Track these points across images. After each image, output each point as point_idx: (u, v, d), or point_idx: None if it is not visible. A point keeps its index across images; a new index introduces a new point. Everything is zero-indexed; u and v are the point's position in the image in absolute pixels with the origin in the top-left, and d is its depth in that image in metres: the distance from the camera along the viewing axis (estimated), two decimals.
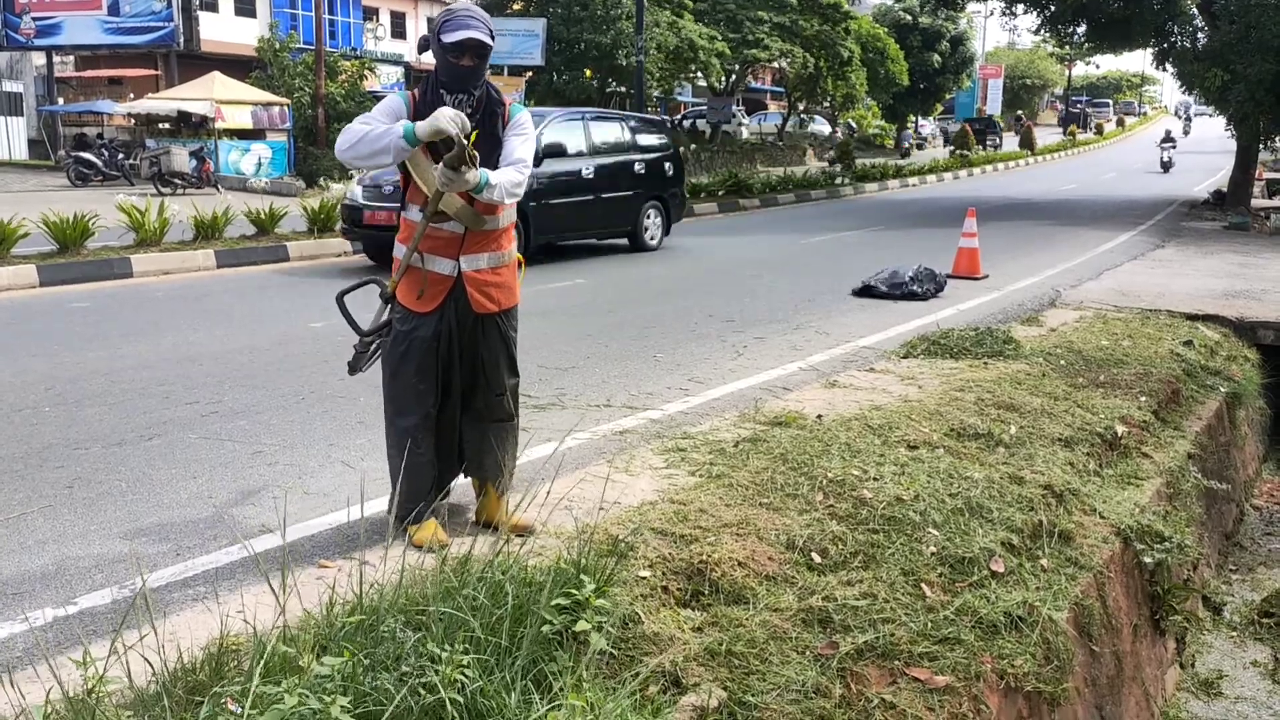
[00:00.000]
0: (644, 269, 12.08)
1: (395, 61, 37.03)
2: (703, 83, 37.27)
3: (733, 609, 3.22)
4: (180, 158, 21.81)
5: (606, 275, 11.54)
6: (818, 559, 3.61)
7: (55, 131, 29.75)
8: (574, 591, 2.84)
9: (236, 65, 28.76)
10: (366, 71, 27.94)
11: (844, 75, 36.93)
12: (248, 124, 24.98)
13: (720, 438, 4.97)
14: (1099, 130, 64.57)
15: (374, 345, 3.75)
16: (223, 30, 32.46)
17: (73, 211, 11.40)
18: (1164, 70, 22.81)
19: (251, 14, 33.64)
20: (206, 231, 12.44)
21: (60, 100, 29.95)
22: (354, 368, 3.81)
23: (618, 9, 27.91)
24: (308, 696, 2.21)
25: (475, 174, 3.40)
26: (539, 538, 3.56)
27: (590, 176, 12.59)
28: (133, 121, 26.85)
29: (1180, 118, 67.90)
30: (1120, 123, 74.09)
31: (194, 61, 29.75)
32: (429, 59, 3.75)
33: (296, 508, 4.14)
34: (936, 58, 46.21)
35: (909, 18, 46.26)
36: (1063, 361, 6.99)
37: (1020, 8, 25.07)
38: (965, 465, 4.66)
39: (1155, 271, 12.21)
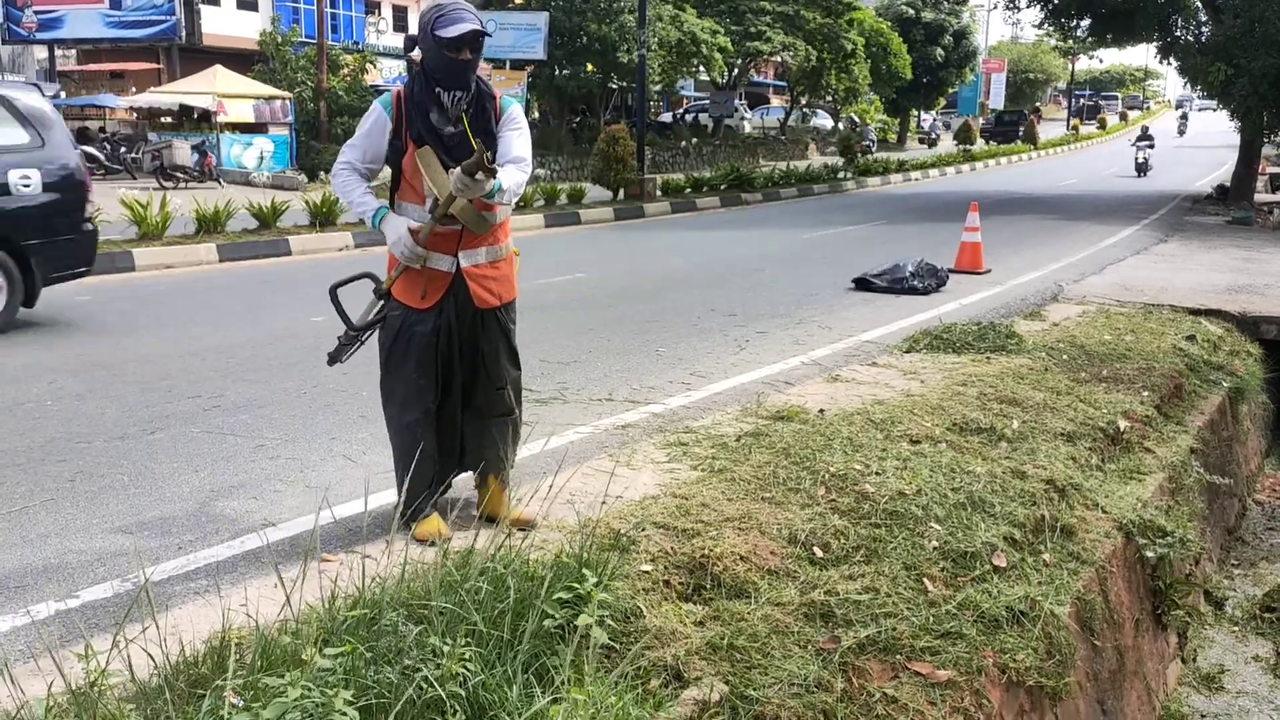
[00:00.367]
0: None
1: (397, 55, 36.98)
2: (705, 77, 37.25)
3: (734, 603, 3.21)
4: (182, 152, 21.77)
5: (606, 269, 11.52)
6: (820, 553, 3.60)
7: None
8: (576, 585, 2.83)
9: (238, 59, 28.71)
10: (368, 65, 27.86)
11: (847, 68, 36.90)
12: (250, 118, 24.94)
13: (722, 432, 4.97)
14: (1102, 124, 64.40)
15: (358, 339, 3.74)
16: (225, 24, 32.43)
17: None
18: (1167, 64, 22.75)
19: (253, 7, 33.61)
20: (209, 225, 12.45)
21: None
22: (334, 359, 3.80)
23: (620, 1, 27.86)
24: (310, 689, 2.21)
25: (491, 181, 3.38)
26: (541, 532, 3.57)
27: None
28: (135, 115, 26.78)
29: (1180, 113, 67.59)
30: (1123, 117, 73.92)
31: (196, 55, 29.68)
32: (418, 56, 3.72)
33: (298, 501, 4.15)
34: (939, 52, 46.20)
35: (912, 12, 46.25)
36: (1065, 356, 6.99)
37: (1024, 1, 25.01)
38: (967, 460, 4.65)
39: (1158, 266, 12.19)
